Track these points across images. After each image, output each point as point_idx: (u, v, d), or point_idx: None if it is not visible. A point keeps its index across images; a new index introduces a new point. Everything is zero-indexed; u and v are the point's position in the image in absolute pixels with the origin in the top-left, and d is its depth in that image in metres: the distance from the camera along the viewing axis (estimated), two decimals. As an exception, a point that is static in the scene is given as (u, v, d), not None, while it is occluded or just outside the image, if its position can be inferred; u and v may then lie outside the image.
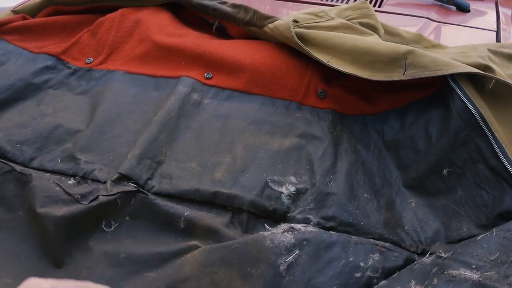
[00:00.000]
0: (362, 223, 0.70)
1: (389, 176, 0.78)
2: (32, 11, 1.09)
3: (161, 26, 1.01)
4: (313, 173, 0.77)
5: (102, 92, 0.93)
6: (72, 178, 0.78)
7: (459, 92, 0.74)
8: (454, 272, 0.55)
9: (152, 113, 0.87)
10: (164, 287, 0.63)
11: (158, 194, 0.74)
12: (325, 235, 0.66)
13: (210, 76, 0.93)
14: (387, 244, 0.67)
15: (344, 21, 0.97)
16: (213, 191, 0.74)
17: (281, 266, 0.62)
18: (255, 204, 0.72)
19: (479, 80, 0.77)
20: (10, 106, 0.90)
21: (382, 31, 1.01)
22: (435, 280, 0.56)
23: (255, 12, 0.99)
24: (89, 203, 0.72)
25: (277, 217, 0.72)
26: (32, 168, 0.79)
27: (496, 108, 0.74)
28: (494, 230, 0.62)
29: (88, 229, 0.71)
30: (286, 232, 0.66)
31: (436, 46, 1.04)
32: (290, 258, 0.62)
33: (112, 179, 0.75)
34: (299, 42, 0.87)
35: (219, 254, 0.64)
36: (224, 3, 1.04)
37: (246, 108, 0.88)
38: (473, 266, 0.56)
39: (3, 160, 0.79)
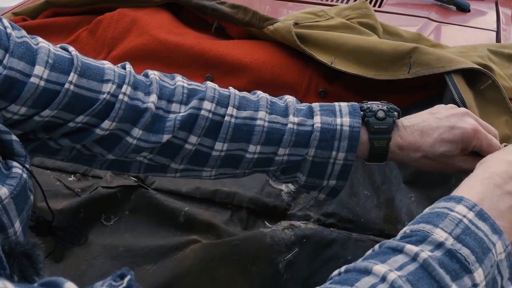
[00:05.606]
0: (362, 220, 0.71)
1: (389, 173, 0.78)
2: (32, 13, 1.09)
3: (160, 24, 1.00)
4: None
5: None
6: (72, 175, 0.79)
7: (449, 83, 0.74)
8: None
9: None
10: (163, 281, 0.64)
11: (158, 190, 0.74)
12: (325, 233, 0.67)
13: (211, 80, 0.93)
14: None
15: (343, 20, 0.97)
16: (213, 189, 0.74)
17: (280, 264, 0.63)
18: (255, 201, 0.73)
19: (472, 80, 0.76)
20: None
21: (381, 31, 1.01)
22: None
23: (255, 13, 0.99)
24: (89, 193, 0.72)
25: (277, 213, 0.72)
26: (33, 165, 0.79)
27: (480, 108, 0.74)
28: None
29: (88, 223, 0.71)
30: (286, 229, 0.66)
31: (435, 45, 1.03)
32: (290, 256, 0.64)
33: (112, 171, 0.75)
34: (302, 46, 0.87)
35: (219, 250, 0.65)
36: (223, 3, 1.04)
37: None
38: None
39: None
